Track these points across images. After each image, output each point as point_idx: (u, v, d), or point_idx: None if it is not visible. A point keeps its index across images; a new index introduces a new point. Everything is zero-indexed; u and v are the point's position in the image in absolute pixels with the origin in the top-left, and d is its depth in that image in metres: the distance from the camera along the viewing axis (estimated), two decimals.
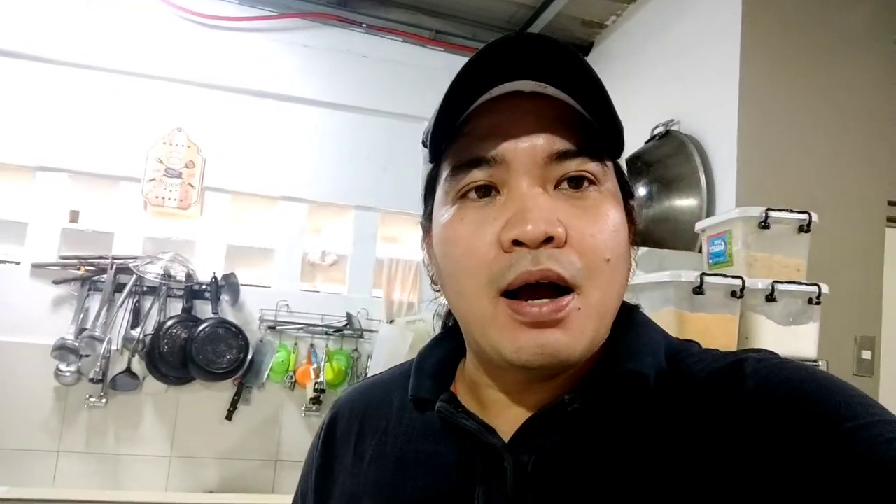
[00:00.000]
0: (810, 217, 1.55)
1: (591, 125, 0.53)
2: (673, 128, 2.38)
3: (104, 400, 2.75)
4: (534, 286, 0.50)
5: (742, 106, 2.07)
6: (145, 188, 2.92)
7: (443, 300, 0.61)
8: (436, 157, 0.57)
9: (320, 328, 3.00)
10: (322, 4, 3.14)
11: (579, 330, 0.51)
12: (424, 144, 0.58)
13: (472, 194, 0.54)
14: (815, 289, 1.51)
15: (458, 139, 0.54)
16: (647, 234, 2.31)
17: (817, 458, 0.43)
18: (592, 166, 0.53)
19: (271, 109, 3.10)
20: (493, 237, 0.51)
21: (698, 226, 1.78)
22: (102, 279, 2.80)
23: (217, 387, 2.89)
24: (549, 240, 0.49)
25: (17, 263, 2.78)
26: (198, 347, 2.76)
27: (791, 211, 1.56)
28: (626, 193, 0.58)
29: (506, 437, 0.55)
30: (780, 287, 1.49)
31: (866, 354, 2.05)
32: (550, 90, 0.52)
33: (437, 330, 0.71)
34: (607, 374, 0.54)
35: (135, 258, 2.85)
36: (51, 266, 2.79)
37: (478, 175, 0.53)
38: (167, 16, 2.98)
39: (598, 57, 3.26)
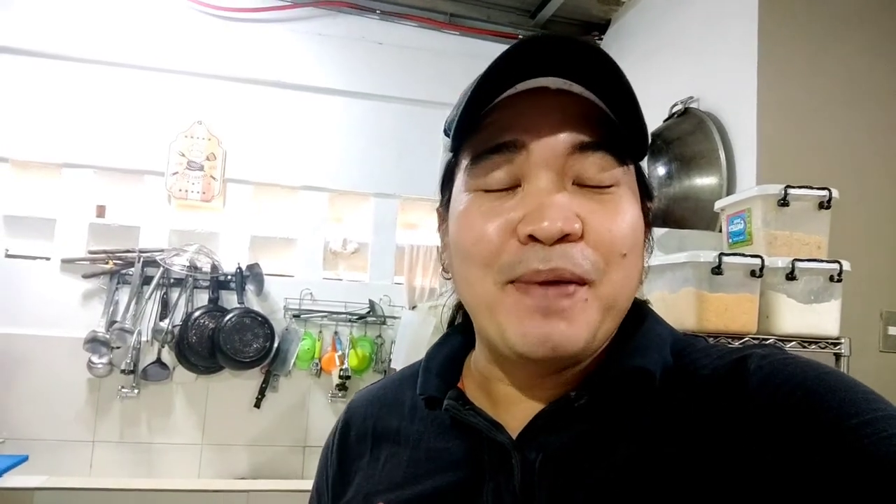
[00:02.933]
0: (830, 193, 1.52)
1: (614, 126, 0.53)
2: (692, 105, 2.35)
3: (136, 390, 2.82)
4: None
5: (761, 82, 2.03)
6: (168, 182, 2.97)
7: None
8: (457, 146, 0.57)
9: (344, 315, 3.04)
10: None
11: (585, 321, 0.51)
12: (446, 133, 0.58)
13: (492, 185, 0.54)
14: (836, 266, 1.48)
15: (481, 130, 0.54)
16: (667, 213, 2.29)
17: (820, 455, 0.43)
18: (613, 165, 0.53)
19: (289, 99, 3.12)
20: (508, 227, 0.52)
21: (717, 205, 1.76)
22: (130, 272, 2.86)
23: (245, 375, 2.94)
24: (564, 236, 0.49)
25: (48, 259, 2.85)
26: (225, 337, 2.81)
27: (811, 188, 1.53)
28: (645, 196, 0.58)
29: (514, 433, 0.55)
30: (800, 265, 1.47)
31: (892, 330, 2.01)
32: (576, 88, 0.52)
33: (446, 327, 0.72)
34: (614, 371, 0.54)
35: (161, 251, 2.91)
36: (80, 261, 2.85)
37: (499, 163, 0.53)
38: (184, 10, 3.00)
39: (616, 34, 3.22)
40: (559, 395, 0.55)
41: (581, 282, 0.50)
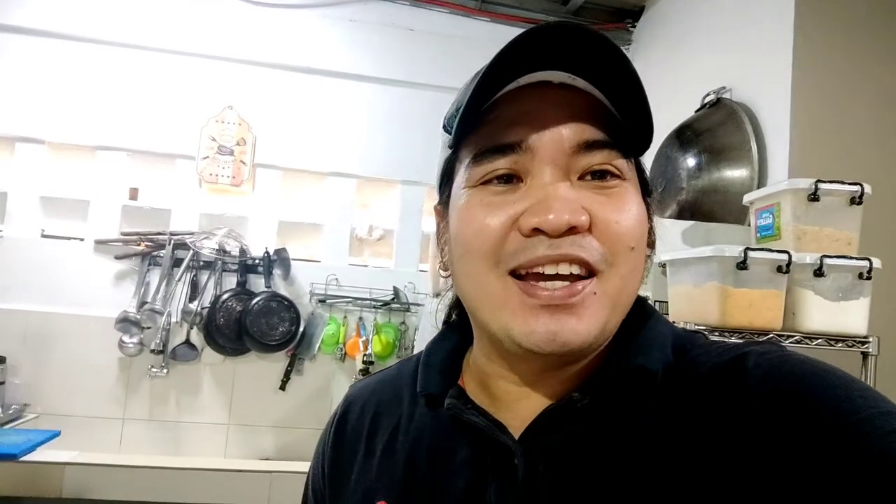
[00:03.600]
0: (862, 189, 1.49)
1: (619, 119, 0.52)
2: (724, 95, 2.30)
3: (165, 370, 2.88)
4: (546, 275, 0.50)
5: (796, 73, 1.98)
6: (199, 166, 3.01)
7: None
8: (458, 142, 0.56)
9: (368, 301, 3.06)
10: None
11: (594, 316, 0.50)
12: (446, 129, 0.57)
13: (494, 182, 0.53)
14: (865, 263, 1.45)
15: (482, 126, 0.53)
16: (695, 205, 2.25)
17: (819, 452, 0.43)
18: (618, 161, 0.52)
19: (319, 86, 3.14)
20: (510, 219, 0.51)
21: (746, 198, 1.73)
22: (161, 254, 2.91)
23: (271, 358, 2.99)
24: (571, 229, 0.49)
25: (81, 240, 2.92)
26: (252, 320, 2.86)
27: (842, 182, 1.49)
28: (645, 191, 0.58)
29: (516, 433, 0.55)
30: (828, 261, 1.44)
31: None
32: (580, 82, 0.51)
33: (440, 325, 0.71)
34: (616, 370, 0.54)
35: (191, 234, 2.96)
36: (112, 242, 2.92)
37: (501, 163, 0.52)
38: None
39: (648, 22, 3.16)
40: (560, 391, 0.56)
41: (589, 273, 0.50)
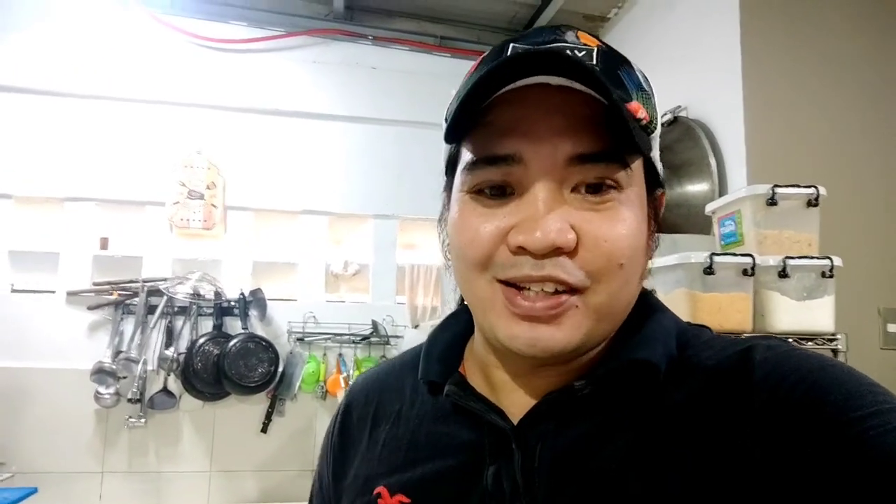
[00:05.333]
0: (818, 191, 1.55)
1: (619, 125, 0.49)
2: (680, 114, 2.39)
3: (143, 419, 2.83)
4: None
5: (746, 86, 2.07)
6: (170, 211, 3.00)
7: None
8: (455, 141, 0.56)
9: (347, 337, 3.06)
10: (328, 20, 3.20)
11: (575, 327, 0.51)
12: (446, 121, 0.55)
13: (487, 191, 0.53)
14: (827, 262, 1.50)
15: (479, 127, 0.52)
16: (660, 220, 2.31)
17: (825, 446, 0.43)
18: (615, 173, 0.51)
19: (286, 126, 3.17)
20: (500, 233, 0.51)
21: (708, 208, 1.79)
22: (135, 302, 2.89)
23: (251, 400, 2.95)
24: (556, 249, 0.49)
25: (53, 292, 2.88)
26: (230, 363, 2.83)
27: (798, 186, 1.56)
28: (654, 184, 0.58)
29: (515, 419, 0.56)
30: (791, 262, 1.50)
31: (892, 328, 2.03)
32: (577, 85, 0.49)
33: (457, 305, 0.71)
34: (618, 363, 0.54)
35: (164, 280, 2.94)
36: (85, 293, 2.88)
37: (494, 174, 0.52)
38: (180, 43, 3.07)
39: None
40: (559, 382, 0.56)
41: (572, 290, 0.50)
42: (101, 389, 2.77)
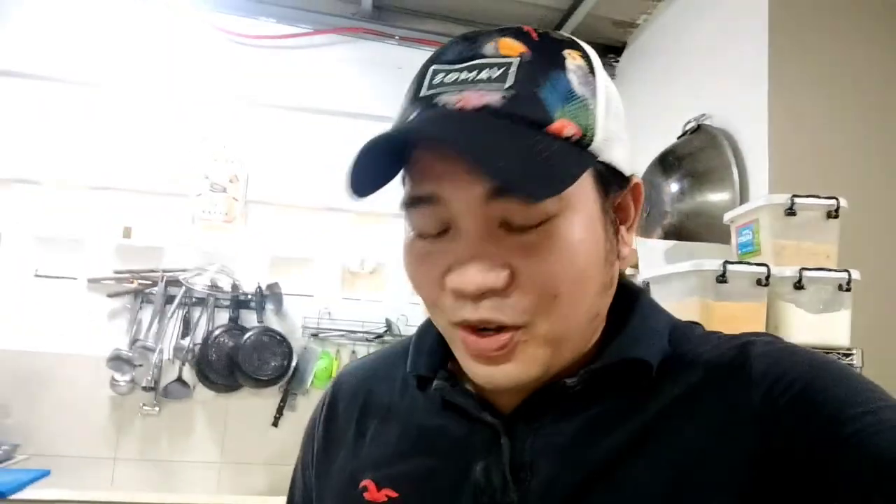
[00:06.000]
0: (838, 202, 1.52)
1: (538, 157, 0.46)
2: (705, 122, 2.36)
3: (157, 408, 2.86)
4: None
5: (772, 96, 2.03)
6: (192, 203, 3.04)
7: None
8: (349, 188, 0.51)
9: (361, 335, 3.06)
10: (356, 19, 3.22)
11: (528, 360, 0.51)
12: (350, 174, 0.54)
13: (425, 228, 0.53)
14: (844, 275, 1.47)
15: (410, 165, 0.52)
16: (680, 229, 2.28)
17: (822, 444, 0.44)
18: (534, 204, 0.48)
19: (310, 123, 3.19)
20: (439, 276, 0.51)
21: (727, 216, 1.76)
22: (154, 292, 2.92)
23: (264, 394, 2.97)
24: (487, 290, 0.48)
25: (74, 279, 2.93)
26: (244, 355, 2.85)
27: (818, 197, 1.53)
28: (612, 183, 0.54)
29: (504, 412, 0.56)
30: (807, 274, 1.46)
31: None
32: (467, 156, 0.46)
33: None
34: (609, 359, 0.54)
35: (184, 271, 2.97)
36: (106, 280, 2.93)
37: (426, 213, 0.51)
38: (210, 37, 3.11)
39: (631, 56, 3.25)
40: (550, 380, 0.55)
41: (514, 327, 0.50)
42: (117, 376, 2.81)
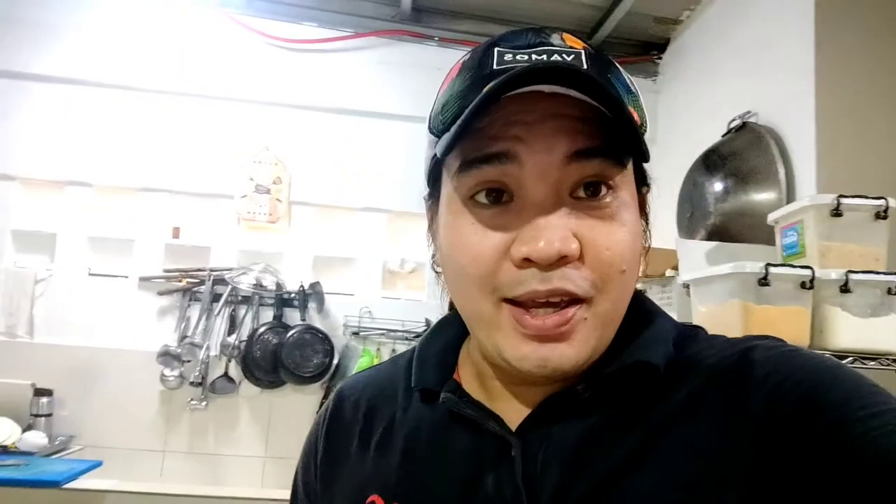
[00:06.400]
0: (887, 203, 1.47)
1: (611, 126, 0.48)
2: (750, 120, 2.31)
3: (204, 403, 2.94)
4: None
5: (819, 93, 1.98)
6: (238, 204, 3.12)
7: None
8: (447, 152, 0.52)
9: (401, 333, 3.09)
10: (395, 21, 3.25)
11: (584, 340, 0.50)
12: (431, 131, 0.57)
13: (482, 197, 0.51)
14: (893, 278, 1.42)
15: (470, 133, 0.50)
16: (723, 229, 2.24)
17: (827, 446, 0.43)
18: (611, 169, 0.50)
19: (351, 125, 3.24)
20: (503, 248, 0.50)
21: (771, 217, 1.72)
22: (201, 290, 3.01)
23: (306, 390, 3.03)
24: (561, 258, 0.48)
25: (126, 277, 3.03)
26: (287, 352, 2.91)
27: (866, 197, 1.48)
28: (641, 184, 0.57)
29: (513, 425, 0.55)
30: (854, 277, 1.42)
31: None
32: (572, 92, 0.48)
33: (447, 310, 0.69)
34: (618, 364, 0.53)
35: (230, 270, 3.05)
36: (155, 279, 3.03)
37: (490, 173, 0.50)
38: (253, 42, 3.17)
39: (675, 53, 3.19)
40: (558, 388, 0.55)
41: (579, 300, 0.50)
42: (167, 371, 2.90)
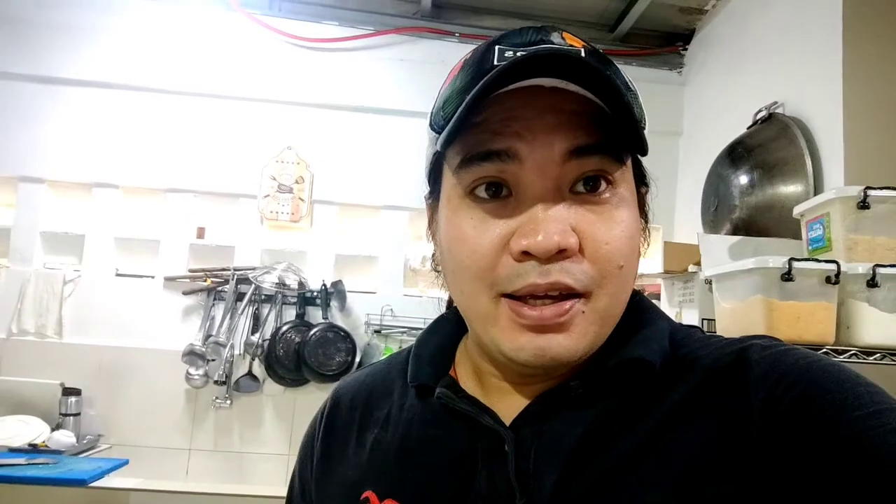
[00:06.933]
0: None
1: (610, 122, 0.49)
2: (776, 111, 2.25)
3: (229, 401, 2.97)
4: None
5: (847, 84, 1.93)
6: (261, 204, 3.14)
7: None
8: (445, 144, 0.53)
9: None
10: (416, 18, 3.24)
11: (582, 333, 0.50)
12: (432, 128, 0.57)
13: (482, 191, 0.52)
14: None
15: (470, 129, 0.51)
16: (749, 223, 2.19)
17: (825, 446, 0.43)
18: (611, 166, 0.51)
19: (372, 123, 3.24)
20: (501, 241, 0.50)
21: (796, 210, 1.67)
22: (226, 289, 3.04)
23: (329, 388, 3.01)
24: (560, 252, 0.48)
25: (152, 277, 3.08)
26: (310, 350, 2.92)
27: (894, 189, 1.43)
28: (640, 183, 0.57)
29: (507, 421, 0.55)
30: (882, 271, 1.37)
31: None
32: (571, 86, 0.48)
33: (445, 308, 0.71)
34: (613, 361, 0.53)
35: (253, 269, 3.07)
36: (181, 279, 3.06)
37: (489, 169, 0.51)
38: (274, 42, 3.19)
39: (700, 44, 3.13)
40: (554, 384, 0.55)
41: (577, 294, 0.50)
42: (192, 370, 2.93)
